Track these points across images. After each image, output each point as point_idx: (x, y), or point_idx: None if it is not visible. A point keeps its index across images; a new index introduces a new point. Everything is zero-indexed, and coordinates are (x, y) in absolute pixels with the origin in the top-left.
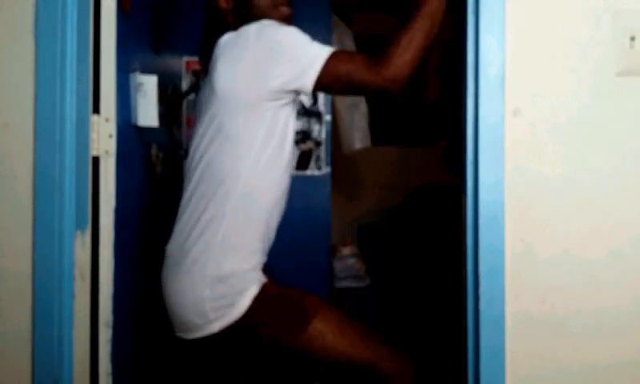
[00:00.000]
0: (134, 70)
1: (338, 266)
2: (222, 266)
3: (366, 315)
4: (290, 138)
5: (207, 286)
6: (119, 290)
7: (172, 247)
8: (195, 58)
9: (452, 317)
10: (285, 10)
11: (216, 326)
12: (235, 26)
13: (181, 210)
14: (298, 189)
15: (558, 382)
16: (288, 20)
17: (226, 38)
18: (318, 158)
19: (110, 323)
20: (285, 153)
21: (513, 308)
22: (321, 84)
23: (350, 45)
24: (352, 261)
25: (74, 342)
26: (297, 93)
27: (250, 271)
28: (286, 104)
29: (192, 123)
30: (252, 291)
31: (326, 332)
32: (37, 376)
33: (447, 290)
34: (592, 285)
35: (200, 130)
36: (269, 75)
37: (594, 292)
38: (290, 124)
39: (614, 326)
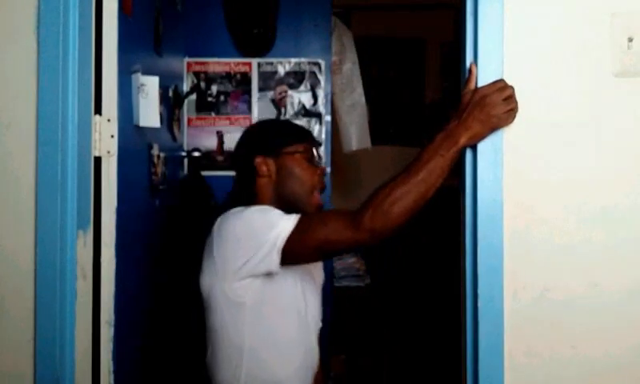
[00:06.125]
0: (135, 71)
1: (337, 265)
2: None
3: (366, 314)
4: (293, 314)
5: None
6: (121, 289)
7: None
8: (196, 59)
9: (451, 315)
10: (317, 197)
11: None
12: (263, 192)
13: None
14: None
15: (556, 379)
16: (320, 208)
17: (207, 240)
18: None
19: (112, 322)
20: (289, 334)
21: (511, 306)
22: (292, 259)
23: (349, 45)
24: (352, 260)
25: (75, 340)
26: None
27: None
28: (270, 284)
29: (193, 124)
30: None
31: None
32: (39, 374)
33: (446, 289)
34: (591, 282)
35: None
36: (232, 267)
37: (593, 290)
38: (295, 299)
39: (613, 323)
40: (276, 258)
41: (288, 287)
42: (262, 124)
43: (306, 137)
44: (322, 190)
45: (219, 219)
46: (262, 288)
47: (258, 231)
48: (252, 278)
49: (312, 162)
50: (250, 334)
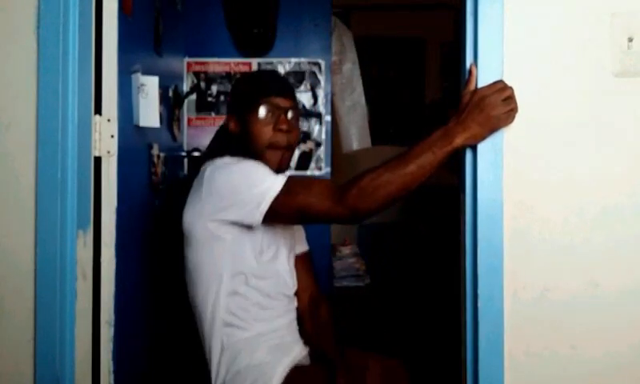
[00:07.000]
0: (135, 71)
1: (337, 265)
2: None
3: (365, 314)
4: (269, 261)
5: None
6: (121, 289)
7: None
8: (196, 59)
9: (451, 315)
10: (280, 154)
11: None
12: (238, 148)
13: None
14: None
15: (556, 379)
16: (282, 163)
17: (194, 182)
18: (318, 158)
19: (112, 322)
20: (266, 278)
21: (511, 306)
22: (273, 218)
23: (349, 45)
24: (352, 260)
25: (75, 340)
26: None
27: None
28: (250, 232)
29: (193, 123)
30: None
31: None
32: (39, 374)
33: (446, 289)
34: (591, 282)
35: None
36: (219, 214)
37: (593, 290)
38: (268, 248)
39: (613, 323)
40: (259, 215)
41: (258, 241)
42: (236, 81)
43: (268, 92)
44: (289, 146)
45: (209, 166)
46: (239, 233)
47: (248, 185)
48: (233, 224)
49: (272, 117)
50: (227, 267)
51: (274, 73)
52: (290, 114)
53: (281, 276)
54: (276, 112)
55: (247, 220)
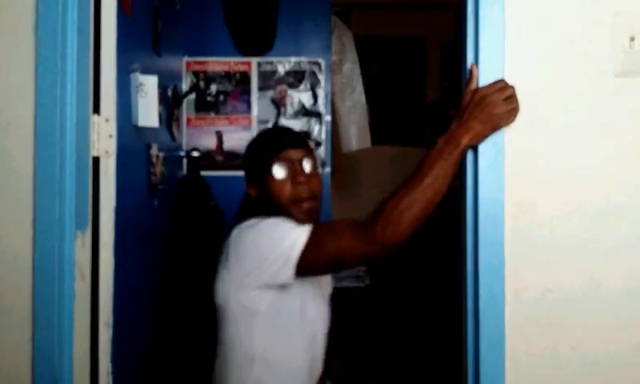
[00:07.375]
0: (134, 71)
1: None
2: None
3: (365, 315)
4: (300, 323)
5: None
6: (119, 290)
7: None
8: (195, 58)
9: (452, 315)
10: (306, 205)
11: None
12: (263, 210)
13: None
14: None
15: (558, 379)
16: (310, 213)
17: (223, 250)
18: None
19: (110, 323)
20: (298, 345)
21: (512, 305)
22: (306, 270)
23: (349, 44)
24: None
25: (74, 341)
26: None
27: None
28: (284, 293)
29: (192, 123)
30: None
31: None
32: (37, 376)
33: (447, 289)
34: (592, 282)
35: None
36: (248, 278)
37: (594, 289)
38: (305, 309)
39: (614, 322)
40: (290, 270)
41: (295, 297)
42: (245, 150)
43: (278, 148)
44: (312, 196)
45: (235, 231)
46: (275, 297)
47: (273, 244)
48: (267, 288)
49: (289, 172)
50: (261, 343)
51: (279, 128)
52: (305, 164)
53: (316, 335)
54: (291, 166)
55: (279, 278)
